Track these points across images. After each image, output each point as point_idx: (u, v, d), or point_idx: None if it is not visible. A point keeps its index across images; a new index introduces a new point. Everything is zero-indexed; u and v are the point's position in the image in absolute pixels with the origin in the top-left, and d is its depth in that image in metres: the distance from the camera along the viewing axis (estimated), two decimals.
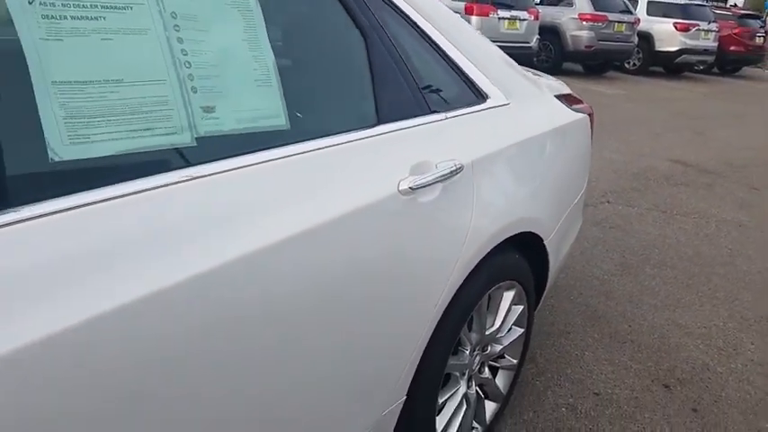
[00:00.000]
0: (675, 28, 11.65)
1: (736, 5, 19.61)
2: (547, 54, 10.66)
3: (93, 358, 0.71)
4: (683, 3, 12.14)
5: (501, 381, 1.79)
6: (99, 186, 0.76)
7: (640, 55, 11.99)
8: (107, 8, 0.81)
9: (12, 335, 0.64)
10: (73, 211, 0.72)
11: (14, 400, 0.65)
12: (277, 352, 0.96)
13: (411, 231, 1.19)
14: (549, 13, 10.41)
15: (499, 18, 8.97)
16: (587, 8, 10.42)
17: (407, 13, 1.35)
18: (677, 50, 11.70)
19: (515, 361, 1.82)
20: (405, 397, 1.33)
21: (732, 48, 13.18)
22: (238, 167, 0.92)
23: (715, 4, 16.62)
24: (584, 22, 10.35)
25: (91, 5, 0.79)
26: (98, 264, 0.73)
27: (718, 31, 12.29)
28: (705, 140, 6.63)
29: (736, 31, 13.19)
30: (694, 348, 2.44)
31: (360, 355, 1.15)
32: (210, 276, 0.83)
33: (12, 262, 0.67)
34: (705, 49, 12.03)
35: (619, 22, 10.69)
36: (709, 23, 12.03)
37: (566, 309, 2.67)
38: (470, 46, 1.53)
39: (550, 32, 10.39)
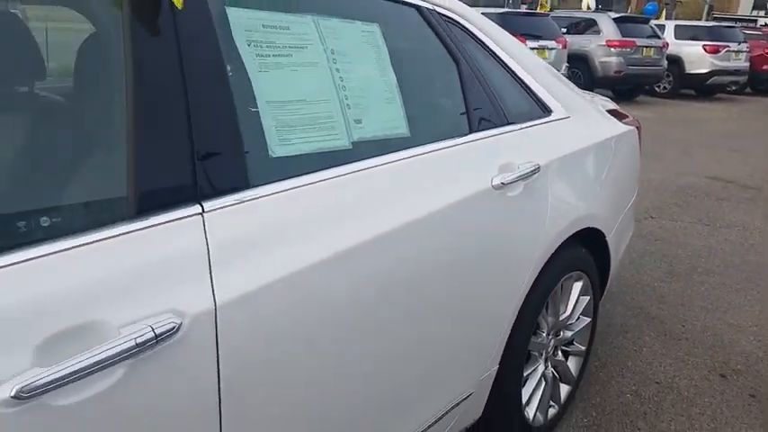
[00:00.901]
0: (705, 50, 11.79)
1: (766, 25, 19.59)
2: (576, 81, 10.86)
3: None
4: (710, 25, 12.29)
5: (572, 365, 1.99)
6: (299, 175, 1.04)
7: (670, 78, 12.12)
8: (292, 48, 1.10)
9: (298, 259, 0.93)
10: (292, 191, 1.00)
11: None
12: (419, 314, 1.22)
13: (503, 221, 1.44)
14: (577, 42, 10.70)
15: (529, 48, 9.28)
16: (614, 35, 10.68)
17: (485, 42, 1.63)
18: (708, 72, 11.80)
19: (584, 348, 2.02)
20: (497, 366, 1.56)
21: (765, 67, 13.21)
22: (377, 165, 1.19)
23: (745, 24, 16.69)
24: (613, 49, 10.59)
25: (282, 46, 1.09)
26: (321, 221, 1.02)
27: (749, 52, 12.37)
28: (742, 157, 6.72)
29: None
30: (747, 344, 2.59)
31: (466, 326, 1.39)
32: (382, 239, 1.10)
33: (277, 216, 0.96)
34: (737, 70, 12.10)
35: (647, 46, 10.90)
36: (740, 44, 12.13)
37: (621, 312, 2.85)
38: (534, 67, 1.80)
39: (579, 60, 10.66)
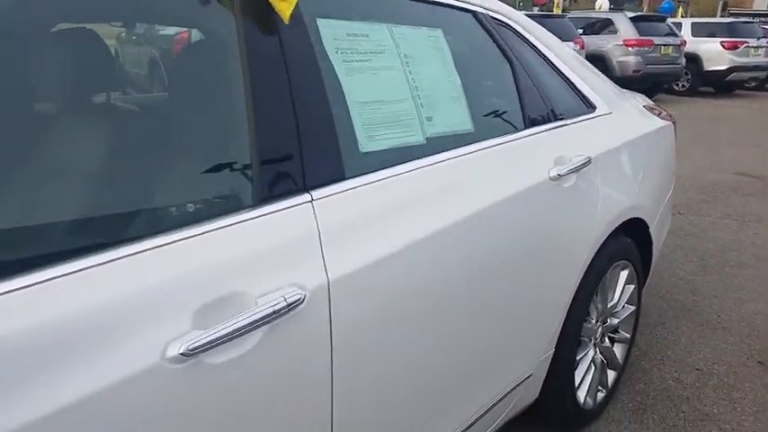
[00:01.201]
0: (723, 47, 11.75)
1: None
2: None
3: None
4: (728, 21, 12.25)
5: (618, 351, 2.06)
6: (384, 168, 1.14)
7: (689, 76, 12.09)
8: (372, 53, 1.21)
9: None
10: (379, 182, 1.10)
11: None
12: (492, 295, 1.32)
13: (560, 211, 1.53)
14: (594, 42, 10.73)
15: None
16: (632, 34, 10.69)
17: (533, 42, 1.73)
18: (727, 69, 11.76)
19: (628, 335, 2.10)
20: (554, 349, 1.65)
21: None
22: (448, 159, 1.29)
23: (763, 19, 16.57)
24: (630, 48, 10.61)
25: (364, 52, 1.19)
26: (405, 209, 1.12)
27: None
28: (766, 153, 6.71)
29: None
30: None
31: (530, 308, 1.49)
32: (453, 228, 1.20)
33: (370, 204, 1.07)
34: (756, 66, 12.04)
35: (665, 45, 10.90)
36: (758, 39, 12.06)
37: (657, 304, 2.91)
38: (578, 67, 1.89)
39: (597, 60, 10.65)
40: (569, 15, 12.22)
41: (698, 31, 12.21)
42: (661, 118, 2.26)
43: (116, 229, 0.82)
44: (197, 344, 0.78)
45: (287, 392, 0.92)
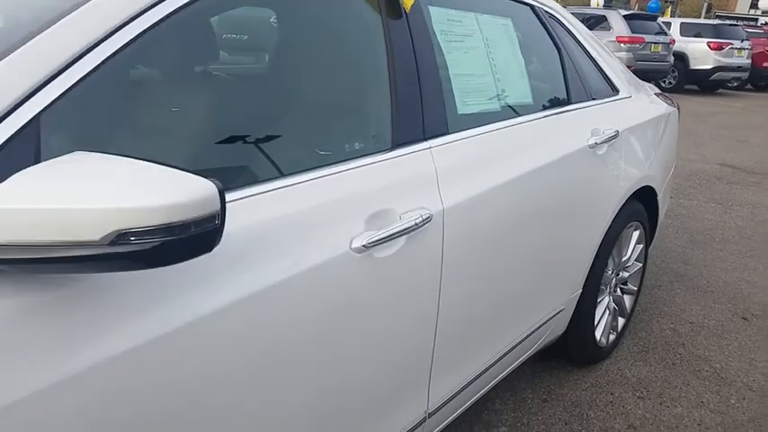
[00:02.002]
0: (709, 47, 12.24)
1: (767, 24, 20.05)
2: None
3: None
4: (714, 23, 12.73)
5: (627, 301, 2.42)
6: (472, 127, 1.46)
7: (676, 73, 12.57)
8: (463, 36, 1.52)
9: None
10: (470, 138, 1.42)
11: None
12: (541, 237, 1.64)
13: (594, 173, 1.87)
14: None
15: None
16: (624, 31, 11.10)
17: (574, 34, 2.05)
18: (712, 68, 12.26)
19: (635, 288, 2.46)
20: (581, 290, 1.99)
21: (765, 64, 13.66)
22: (515, 125, 1.61)
23: (746, 23, 17.14)
24: (623, 45, 11.01)
25: (458, 34, 1.50)
26: (488, 160, 1.44)
27: (751, 49, 12.82)
28: (749, 147, 7.17)
29: None
30: (763, 296, 3.03)
31: (567, 252, 1.82)
32: (520, 179, 1.52)
33: (466, 153, 1.38)
34: (739, 66, 12.56)
35: (655, 43, 11.34)
36: (742, 42, 12.58)
37: (653, 271, 3.28)
38: (606, 57, 2.22)
39: None
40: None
41: (686, 31, 12.68)
42: (667, 104, 2.61)
43: (320, 159, 1.13)
44: (370, 240, 1.09)
45: (415, 286, 1.24)
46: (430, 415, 1.40)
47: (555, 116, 1.78)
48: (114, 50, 0.85)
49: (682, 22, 12.89)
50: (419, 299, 1.26)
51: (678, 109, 2.71)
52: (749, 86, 14.40)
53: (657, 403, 2.12)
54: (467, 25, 1.54)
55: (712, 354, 2.46)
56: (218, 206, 0.66)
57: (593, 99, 2.02)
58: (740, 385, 2.26)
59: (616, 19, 11.17)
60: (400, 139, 1.26)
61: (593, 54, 2.12)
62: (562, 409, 2.06)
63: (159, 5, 0.92)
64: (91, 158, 0.68)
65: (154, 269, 0.77)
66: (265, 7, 1.49)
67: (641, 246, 2.40)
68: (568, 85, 1.90)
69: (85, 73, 0.82)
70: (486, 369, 1.58)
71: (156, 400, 0.82)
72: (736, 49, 12.47)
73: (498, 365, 1.65)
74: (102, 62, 0.84)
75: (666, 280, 3.18)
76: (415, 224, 1.18)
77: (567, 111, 1.85)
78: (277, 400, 1.01)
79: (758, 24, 19.79)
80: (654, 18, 12.16)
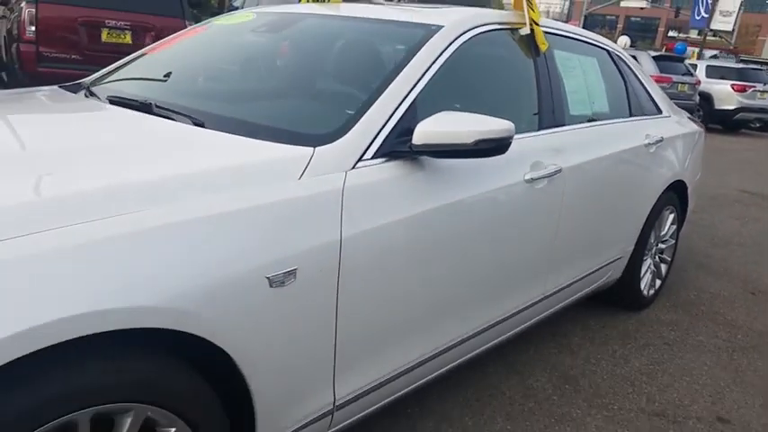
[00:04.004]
0: (733, 89, 13.07)
1: None
2: None
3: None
4: (739, 66, 13.58)
5: (663, 268, 3.27)
6: (572, 124, 2.36)
7: (701, 113, 13.39)
8: (572, 68, 2.43)
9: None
10: (573, 130, 2.33)
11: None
12: (610, 203, 2.53)
13: (646, 166, 2.75)
14: None
15: None
16: (653, 71, 12.00)
17: (633, 69, 2.96)
18: (735, 109, 13.07)
19: (669, 259, 3.31)
20: (634, 245, 2.85)
21: None
22: (600, 124, 2.51)
23: None
24: None
25: (569, 66, 2.42)
26: (578, 146, 2.33)
27: None
28: (766, 178, 7.96)
29: None
30: None
31: (627, 216, 2.70)
32: (606, 157, 2.41)
33: (570, 139, 2.28)
34: (761, 108, 13.35)
35: (681, 83, 12.22)
36: (765, 84, 13.39)
37: (680, 261, 4.10)
38: (653, 86, 3.12)
39: None
40: None
41: (711, 73, 13.55)
42: (697, 125, 3.49)
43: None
44: (534, 177, 1.99)
45: (552, 205, 2.12)
46: (546, 297, 2.27)
47: (621, 123, 2.68)
48: (429, 77, 1.77)
49: (708, 65, 13.78)
50: (551, 215, 2.14)
51: (705, 131, 3.58)
52: None
53: (685, 333, 2.95)
54: (573, 61, 2.45)
55: (726, 311, 3.29)
56: (513, 132, 1.56)
57: (645, 115, 2.91)
58: (746, 329, 3.08)
59: (646, 59, 12.08)
60: (543, 125, 2.17)
61: (645, 84, 3.02)
62: (616, 333, 2.90)
63: (437, 60, 1.83)
64: (452, 113, 1.59)
65: (487, 158, 1.65)
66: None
67: (674, 227, 3.26)
68: (630, 104, 2.80)
69: (419, 91, 1.72)
70: (580, 278, 2.46)
71: (451, 234, 1.72)
72: (759, 91, 13.28)
73: (582, 282, 2.51)
74: (424, 86, 1.74)
75: (691, 267, 4.01)
76: (555, 171, 2.07)
77: (630, 120, 2.75)
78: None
79: None
80: (681, 60, 13.06)
